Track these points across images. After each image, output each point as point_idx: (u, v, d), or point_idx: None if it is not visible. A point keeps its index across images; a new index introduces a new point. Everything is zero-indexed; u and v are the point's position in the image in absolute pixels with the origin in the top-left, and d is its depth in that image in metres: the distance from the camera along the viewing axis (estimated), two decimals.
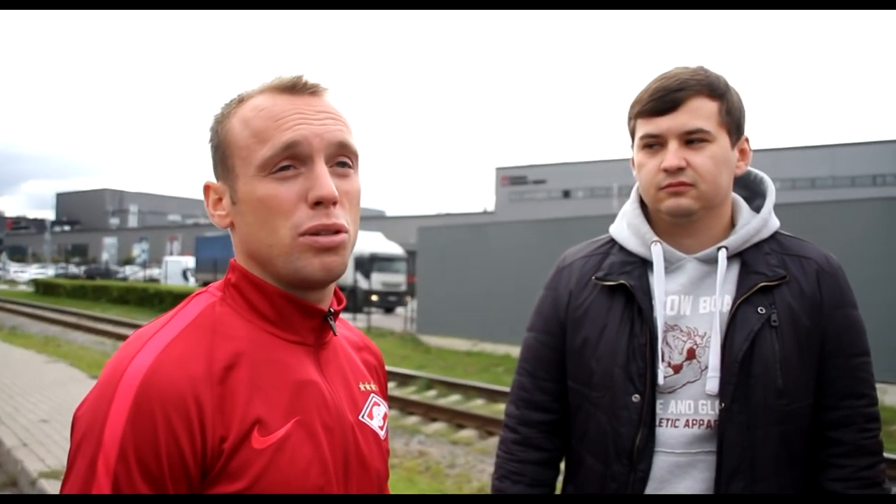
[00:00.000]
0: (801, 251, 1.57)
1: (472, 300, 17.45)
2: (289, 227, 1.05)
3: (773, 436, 1.48)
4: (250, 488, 0.97)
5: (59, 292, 37.66)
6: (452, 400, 11.11)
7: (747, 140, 1.61)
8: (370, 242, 30.15)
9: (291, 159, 1.05)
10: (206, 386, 0.98)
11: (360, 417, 1.17)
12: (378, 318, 23.98)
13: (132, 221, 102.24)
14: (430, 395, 11.45)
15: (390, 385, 12.48)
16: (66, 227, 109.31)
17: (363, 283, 27.91)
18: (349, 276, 28.25)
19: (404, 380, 12.59)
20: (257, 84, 1.14)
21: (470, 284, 17.64)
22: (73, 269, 57.33)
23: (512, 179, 64.88)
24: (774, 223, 1.60)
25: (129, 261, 69.46)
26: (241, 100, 1.12)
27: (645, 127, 1.55)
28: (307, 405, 1.07)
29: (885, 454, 1.50)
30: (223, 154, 1.10)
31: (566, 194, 61.28)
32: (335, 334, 1.18)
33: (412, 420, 10.05)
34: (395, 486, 6.93)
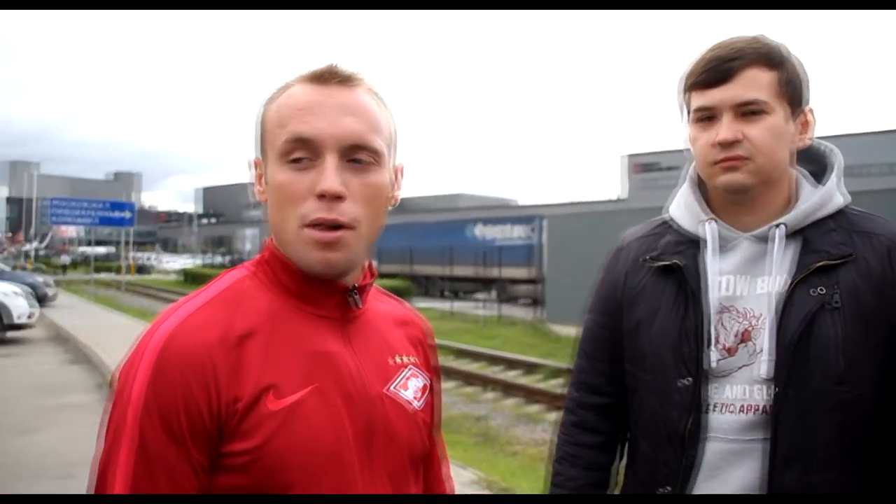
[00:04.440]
0: (870, 227, 1.46)
1: None
2: (297, 216, 1.10)
3: (832, 424, 1.38)
4: (262, 447, 1.03)
5: (206, 281, 39.47)
6: None
7: (810, 111, 1.51)
8: None
9: (305, 151, 1.10)
10: (221, 351, 1.05)
11: (388, 388, 1.19)
12: (506, 308, 23.87)
13: None
14: (554, 384, 11.38)
15: (516, 372, 12.55)
16: (213, 220, 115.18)
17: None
18: None
19: (530, 368, 12.60)
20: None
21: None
22: (218, 259, 59.80)
23: (643, 167, 63.14)
24: (840, 198, 1.50)
25: None
26: (285, 87, 1.17)
27: (698, 99, 1.49)
28: (325, 374, 1.11)
29: None
30: (261, 136, 1.17)
31: None
32: (358, 307, 1.21)
33: (536, 408, 10.05)
34: (516, 474, 6.88)
